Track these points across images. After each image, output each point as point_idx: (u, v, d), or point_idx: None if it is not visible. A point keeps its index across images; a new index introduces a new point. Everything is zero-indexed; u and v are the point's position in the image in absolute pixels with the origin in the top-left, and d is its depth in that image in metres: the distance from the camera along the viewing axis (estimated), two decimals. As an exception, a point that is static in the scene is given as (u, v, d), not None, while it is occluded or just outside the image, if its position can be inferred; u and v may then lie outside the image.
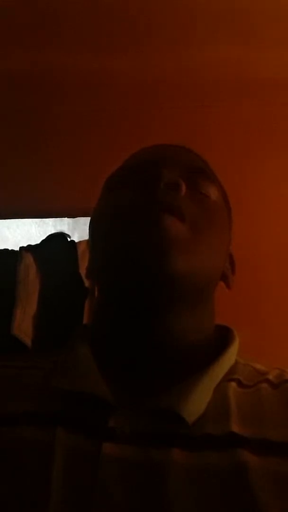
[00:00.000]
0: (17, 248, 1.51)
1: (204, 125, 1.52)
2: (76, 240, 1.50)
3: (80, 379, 0.52)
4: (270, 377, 0.55)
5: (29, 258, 1.48)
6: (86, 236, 0.63)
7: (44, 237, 1.53)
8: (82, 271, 1.41)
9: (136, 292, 0.53)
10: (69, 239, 1.52)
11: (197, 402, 0.50)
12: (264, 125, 1.55)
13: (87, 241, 1.28)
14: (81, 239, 1.49)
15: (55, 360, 0.58)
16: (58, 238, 1.52)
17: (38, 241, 1.53)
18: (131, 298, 0.54)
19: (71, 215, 1.57)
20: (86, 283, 1.37)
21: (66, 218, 1.61)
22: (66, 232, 1.55)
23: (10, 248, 1.55)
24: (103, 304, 0.60)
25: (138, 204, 0.54)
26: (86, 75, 1.56)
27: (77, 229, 1.57)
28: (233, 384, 0.54)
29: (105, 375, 0.52)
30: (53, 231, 1.58)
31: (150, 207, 0.53)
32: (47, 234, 1.54)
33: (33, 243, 1.51)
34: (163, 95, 1.57)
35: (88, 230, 0.62)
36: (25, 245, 1.50)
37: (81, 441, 0.48)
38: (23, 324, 1.42)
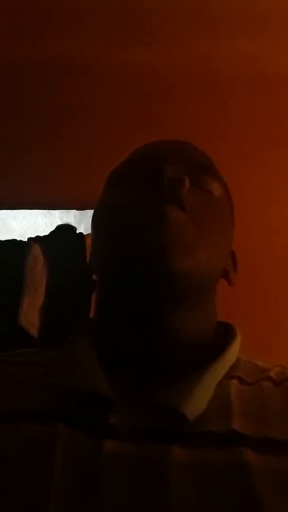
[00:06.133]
0: (23, 239, 1.51)
1: (211, 120, 1.50)
2: (83, 232, 1.50)
3: (81, 376, 0.52)
4: (272, 374, 0.55)
5: (37, 249, 1.48)
6: (92, 229, 0.64)
7: (50, 228, 1.53)
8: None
9: (139, 284, 0.53)
10: (76, 231, 1.52)
11: (198, 400, 0.49)
12: (273, 121, 1.53)
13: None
14: (87, 231, 1.49)
15: (56, 355, 0.58)
16: (66, 230, 1.52)
17: (44, 232, 1.52)
18: (133, 291, 0.54)
19: (78, 207, 1.56)
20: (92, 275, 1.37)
21: (73, 210, 1.60)
22: (73, 224, 1.55)
23: (17, 239, 1.55)
24: (105, 299, 0.60)
25: (141, 198, 0.54)
26: (94, 66, 1.55)
27: (84, 221, 1.57)
28: (235, 381, 0.54)
29: (106, 371, 0.52)
30: (59, 223, 1.58)
31: (153, 199, 0.53)
32: (54, 226, 1.54)
33: (39, 234, 1.51)
34: (171, 89, 1.55)
35: (91, 224, 0.62)
36: (31, 235, 1.51)
37: (81, 437, 0.48)
38: (30, 315, 1.42)
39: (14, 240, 1.55)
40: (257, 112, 1.53)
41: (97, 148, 1.52)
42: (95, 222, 0.61)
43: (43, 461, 0.46)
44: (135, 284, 0.53)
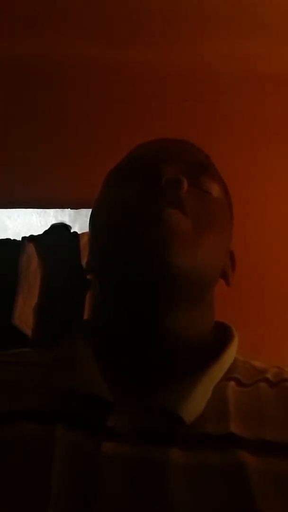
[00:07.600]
0: (18, 238, 1.51)
1: (210, 119, 1.51)
2: (77, 231, 1.49)
3: (79, 378, 0.52)
4: (269, 375, 0.56)
5: (31, 249, 1.48)
6: (87, 228, 0.64)
7: (45, 227, 1.53)
8: (84, 263, 1.40)
9: (139, 285, 0.53)
10: (71, 231, 1.51)
11: (196, 402, 0.50)
12: (271, 120, 1.54)
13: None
14: (82, 231, 1.49)
15: (55, 356, 0.58)
16: (60, 229, 1.51)
17: (39, 231, 1.52)
18: (134, 291, 0.54)
19: (73, 206, 1.56)
20: (88, 275, 1.37)
21: (67, 209, 1.60)
22: (67, 223, 1.54)
23: (11, 238, 1.55)
24: (104, 299, 0.60)
25: (141, 198, 0.54)
26: (94, 65, 1.55)
27: (78, 220, 1.57)
28: (232, 383, 0.54)
29: (105, 372, 0.52)
30: (54, 222, 1.58)
31: (153, 201, 0.53)
32: (48, 225, 1.54)
33: (33, 233, 1.51)
34: (168, 88, 1.56)
35: (88, 224, 0.62)
36: (25, 234, 1.50)
37: (80, 439, 0.48)
38: (24, 314, 1.42)
39: (8, 239, 1.54)
40: (256, 112, 1.53)
41: (92, 148, 1.52)
42: (94, 221, 0.61)
43: (43, 462, 0.46)
44: (135, 284, 0.53)
